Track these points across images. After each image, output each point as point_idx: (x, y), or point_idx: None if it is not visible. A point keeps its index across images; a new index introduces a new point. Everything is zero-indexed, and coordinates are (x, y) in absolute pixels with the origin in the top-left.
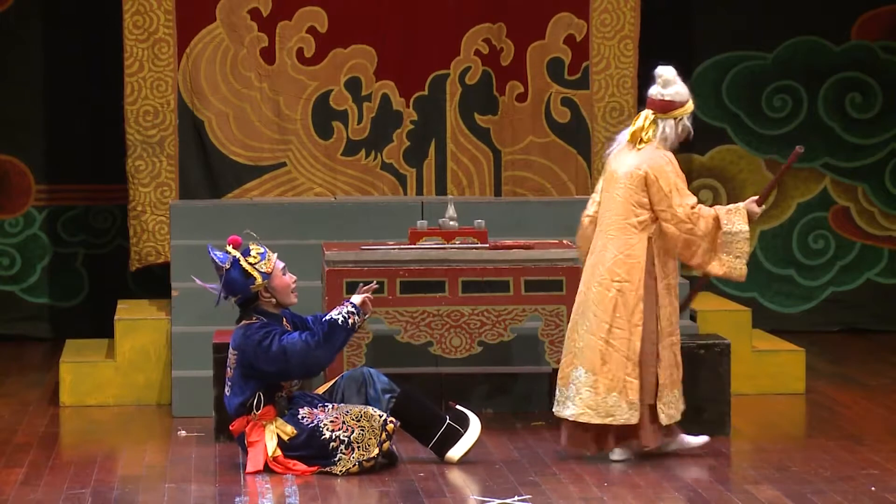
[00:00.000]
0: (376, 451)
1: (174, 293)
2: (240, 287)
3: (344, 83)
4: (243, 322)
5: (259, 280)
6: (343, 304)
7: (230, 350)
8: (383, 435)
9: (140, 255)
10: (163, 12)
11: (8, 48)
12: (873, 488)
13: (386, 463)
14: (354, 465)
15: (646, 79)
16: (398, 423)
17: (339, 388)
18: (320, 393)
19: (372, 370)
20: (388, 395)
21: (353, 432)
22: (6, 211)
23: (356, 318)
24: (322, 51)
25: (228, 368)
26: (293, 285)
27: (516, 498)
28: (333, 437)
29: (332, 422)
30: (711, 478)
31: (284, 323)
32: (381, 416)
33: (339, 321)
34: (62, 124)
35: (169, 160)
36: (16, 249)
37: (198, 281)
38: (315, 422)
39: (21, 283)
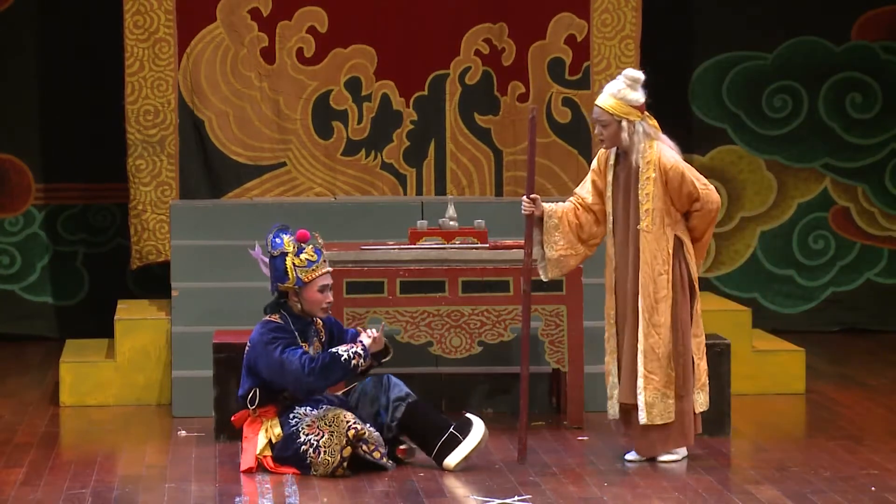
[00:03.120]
0: (338, 457)
1: (174, 293)
2: (275, 277)
3: (344, 83)
4: (266, 316)
5: (291, 282)
6: (355, 343)
7: (248, 341)
8: (344, 440)
9: (141, 253)
10: (163, 12)
11: (8, 47)
12: (873, 488)
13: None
14: (325, 473)
15: (646, 79)
16: (361, 430)
17: (357, 392)
18: (338, 394)
19: (393, 378)
20: (397, 404)
21: (322, 436)
22: (6, 210)
23: (361, 360)
24: (322, 51)
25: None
26: (325, 305)
27: (516, 498)
28: (305, 440)
29: (308, 426)
30: (711, 478)
31: (320, 328)
32: (347, 422)
33: (343, 358)
34: (62, 123)
35: (169, 159)
36: (16, 248)
37: (254, 252)
38: (297, 425)
39: (21, 281)
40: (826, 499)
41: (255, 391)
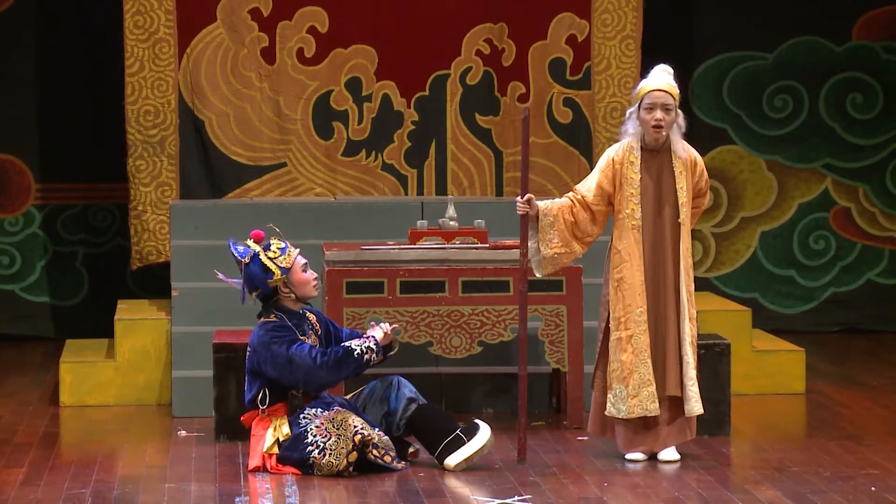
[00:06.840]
0: (344, 461)
1: (174, 293)
2: (259, 281)
3: (344, 83)
4: (261, 319)
5: (278, 274)
6: (367, 338)
7: (248, 346)
8: (350, 444)
9: (141, 254)
10: (163, 12)
11: (8, 48)
12: (873, 488)
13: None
14: (329, 474)
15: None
16: (369, 436)
17: (365, 393)
18: (348, 397)
19: (402, 379)
20: (408, 404)
21: (329, 438)
22: (6, 210)
23: (373, 355)
24: (322, 51)
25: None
26: (314, 282)
27: (516, 498)
28: (312, 441)
29: (317, 427)
30: (711, 478)
31: (315, 322)
32: (354, 426)
33: (356, 353)
34: (62, 123)
35: (169, 160)
36: (16, 248)
37: (220, 275)
38: (306, 426)
39: (21, 282)
40: (826, 499)
41: (265, 391)
